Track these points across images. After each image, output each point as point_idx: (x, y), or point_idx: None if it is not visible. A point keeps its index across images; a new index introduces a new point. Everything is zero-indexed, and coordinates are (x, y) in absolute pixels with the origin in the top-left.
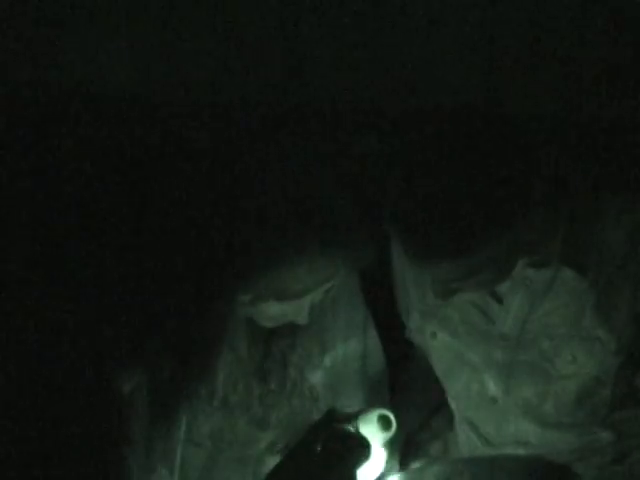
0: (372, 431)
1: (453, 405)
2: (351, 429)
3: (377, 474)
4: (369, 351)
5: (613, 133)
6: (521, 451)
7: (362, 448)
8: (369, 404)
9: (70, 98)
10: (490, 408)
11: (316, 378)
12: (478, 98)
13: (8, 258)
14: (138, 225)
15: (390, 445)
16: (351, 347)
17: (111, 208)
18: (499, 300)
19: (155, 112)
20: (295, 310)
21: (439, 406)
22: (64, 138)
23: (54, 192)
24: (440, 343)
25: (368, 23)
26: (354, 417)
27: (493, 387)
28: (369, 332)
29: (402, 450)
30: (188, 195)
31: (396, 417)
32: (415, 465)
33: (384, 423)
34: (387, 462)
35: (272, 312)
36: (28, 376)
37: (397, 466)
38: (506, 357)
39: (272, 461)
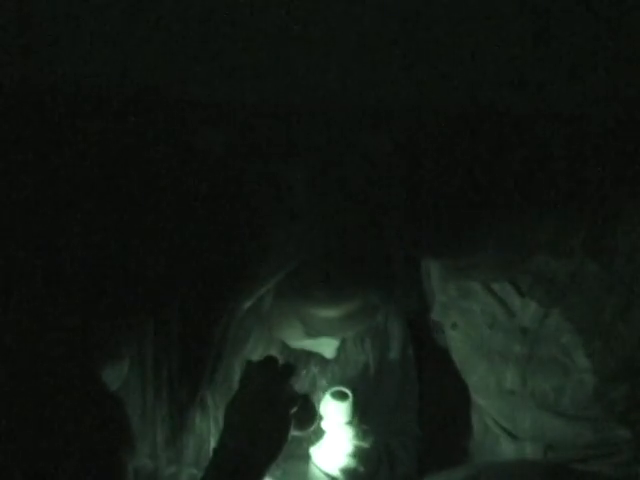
0: (329, 404)
1: (473, 397)
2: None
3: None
4: (407, 373)
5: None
6: (539, 448)
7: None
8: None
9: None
10: (507, 400)
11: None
12: (497, 94)
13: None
14: (137, 226)
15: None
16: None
17: (110, 205)
18: (521, 293)
19: (155, 109)
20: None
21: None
22: (66, 133)
23: (51, 188)
24: (460, 334)
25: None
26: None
27: (511, 379)
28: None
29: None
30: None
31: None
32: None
33: (340, 396)
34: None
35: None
36: (14, 378)
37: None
38: (525, 350)
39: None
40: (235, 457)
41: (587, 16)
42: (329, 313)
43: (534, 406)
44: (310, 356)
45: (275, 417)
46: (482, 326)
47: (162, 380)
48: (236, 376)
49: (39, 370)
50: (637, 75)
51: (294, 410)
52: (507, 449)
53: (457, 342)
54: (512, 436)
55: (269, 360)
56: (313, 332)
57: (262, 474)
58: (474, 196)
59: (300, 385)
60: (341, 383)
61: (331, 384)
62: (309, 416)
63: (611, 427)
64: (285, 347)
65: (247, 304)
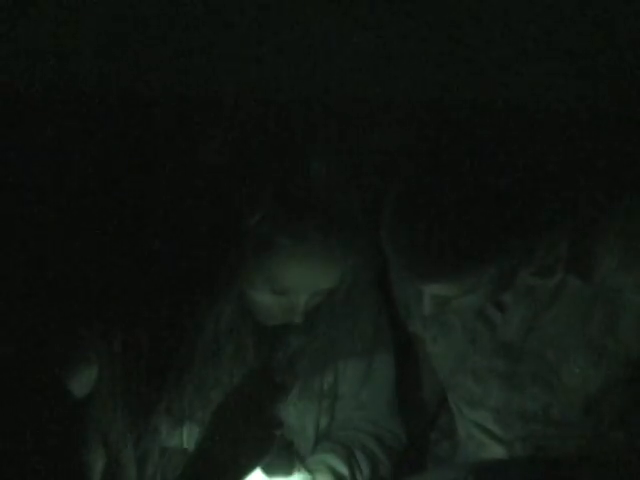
0: None
1: (453, 406)
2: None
3: None
4: (378, 354)
5: (617, 137)
6: (529, 447)
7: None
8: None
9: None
10: (493, 414)
11: (325, 381)
12: (469, 95)
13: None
14: (100, 229)
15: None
16: (360, 349)
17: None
18: (501, 309)
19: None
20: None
21: (445, 405)
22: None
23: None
24: (441, 349)
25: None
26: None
27: (495, 398)
28: (380, 336)
29: (410, 452)
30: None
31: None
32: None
33: None
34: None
35: (267, 303)
36: None
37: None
38: (508, 367)
39: None
40: (213, 465)
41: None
42: (293, 263)
43: (522, 418)
44: (287, 338)
45: (254, 436)
46: (463, 341)
47: (130, 386)
48: (211, 385)
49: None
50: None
51: (277, 433)
52: (494, 451)
53: (439, 357)
54: (499, 439)
55: (261, 371)
56: (278, 288)
57: None
58: (469, 216)
59: (281, 363)
60: (315, 361)
61: (311, 361)
62: (289, 464)
63: (603, 432)
64: (259, 341)
65: (218, 308)
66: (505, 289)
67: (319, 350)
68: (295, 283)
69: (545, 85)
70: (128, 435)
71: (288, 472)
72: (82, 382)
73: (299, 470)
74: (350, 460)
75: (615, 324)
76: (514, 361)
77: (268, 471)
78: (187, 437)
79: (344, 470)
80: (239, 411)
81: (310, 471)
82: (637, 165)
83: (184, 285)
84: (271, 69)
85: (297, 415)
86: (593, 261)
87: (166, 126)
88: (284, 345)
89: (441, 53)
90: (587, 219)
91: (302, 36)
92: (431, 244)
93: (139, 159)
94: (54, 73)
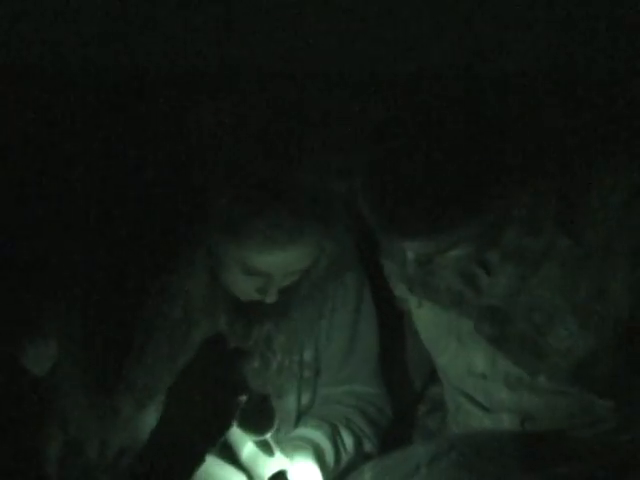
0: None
1: (441, 375)
2: None
3: None
4: (361, 327)
5: (609, 93)
6: (516, 418)
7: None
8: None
9: None
10: (479, 381)
11: (305, 357)
12: (460, 56)
13: None
14: (61, 205)
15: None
16: (341, 323)
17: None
18: (488, 270)
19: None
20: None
21: (435, 377)
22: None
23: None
24: (426, 313)
25: None
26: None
27: (481, 362)
28: (363, 308)
29: (398, 425)
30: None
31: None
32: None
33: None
34: None
35: (240, 283)
36: None
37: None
38: (495, 331)
39: None
40: (170, 449)
41: None
42: (265, 247)
43: (509, 385)
44: (263, 315)
45: (217, 403)
46: (448, 304)
47: (91, 363)
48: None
49: None
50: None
51: (242, 398)
52: (482, 422)
53: (424, 322)
54: (486, 410)
55: (216, 339)
56: (250, 269)
57: (199, 462)
58: (450, 172)
59: (256, 341)
60: (293, 337)
61: (288, 337)
62: (267, 419)
63: (593, 399)
64: (233, 319)
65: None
66: (490, 247)
67: (297, 327)
68: (267, 265)
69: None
70: (89, 413)
71: (267, 426)
72: (39, 359)
73: (277, 426)
74: (333, 435)
75: (605, 286)
76: (500, 325)
77: (246, 428)
78: (152, 416)
79: (327, 445)
80: (199, 379)
81: (290, 449)
82: (625, 123)
83: (146, 261)
84: (246, 44)
85: (277, 393)
86: (584, 220)
87: (135, 104)
88: (259, 323)
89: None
90: (575, 176)
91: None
92: (406, 201)
93: (103, 136)
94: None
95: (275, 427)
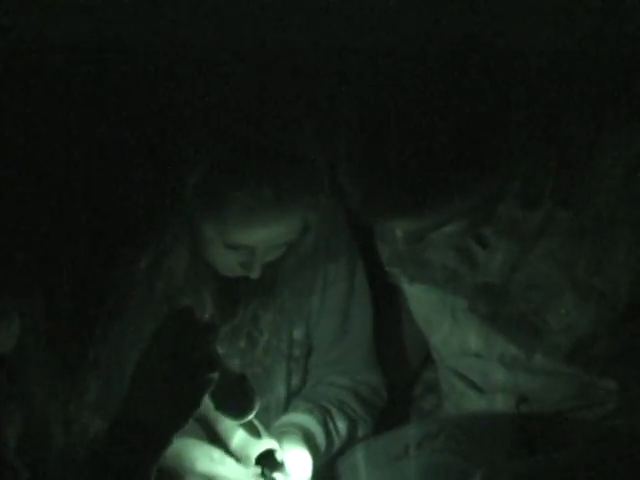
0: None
1: (435, 356)
2: None
3: None
4: (355, 305)
5: (607, 65)
6: (511, 399)
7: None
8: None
9: None
10: (474, 360)
11: (295, 335)
12: (458, 28)
13: None
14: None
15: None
16: (333, 301)
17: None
18: (483, 244)
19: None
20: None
21: (431, 358)
22: None
23: None
24: (418, 289)
25: None
26: None
27: (475, 341)
28: (357, 285)
29: (395, 407)
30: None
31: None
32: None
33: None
34: None
35: (222, 257)
36: None
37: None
38: (490, 309)
39: None
40: (136, 431)
41: None
42: (245, 218)
43: (504, 365)
44: (249, 292)
45: (184, 381)
46: (442, 281)
47: (53, 338)
48: None
49: None
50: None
51: (212, 376)
52: (476, 403)
53: (416, 298)
54: (481, 391)
55: (183, 311)
56: (231, 242)
57: (166, 444)
58: (438, 147)
59: (242, 319)
60: (280, 315)
61: (276, 315)
62: (246, 400)
63: (592, 380)
64: (218, 297)
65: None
66: (485, 222)
67: (285, 305)
68: (249, 239)
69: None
70: (53, 393)
71: (247, 408)
72: (1, 336)
73: (258, 408)
74: (325, 419)
75: (604, 262)
76: (496, 303)
77: (224, 410)
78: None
79: (317, 430)
80: (166, 355)
81: (279, 436)
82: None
83: (117, 235)
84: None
85: (265, 374)
86: (584, 192)
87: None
88: (245, 301)
89: None
90: (574, 148)
91: None
92: (389, 181)
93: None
94: None
95: (256, 409)
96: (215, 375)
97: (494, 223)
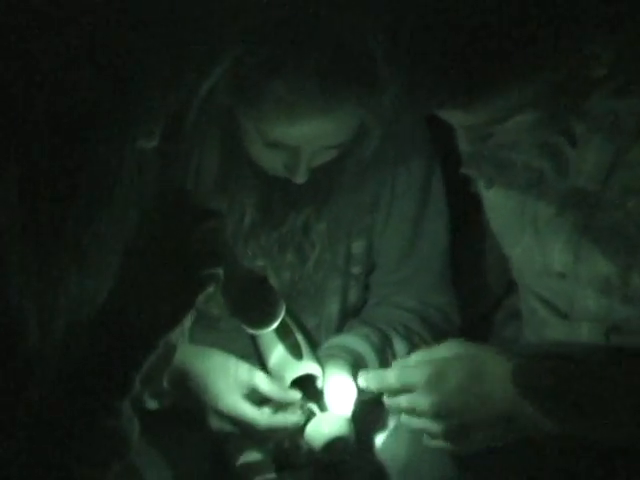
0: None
1: (516, 276)
2: None
3: None
4: (428, 217)
5: None
6: (599, 330)
7: None
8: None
9: None
10: (559, 282)
11: (354, 249)
12: None
13: None
14: None
15: None
16: (402, 215)
17: None
18: (572, 142)
19: None
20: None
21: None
22: None
23: None
24: (497, 194)
25: None
26: None
27: (560, 259)
28: (431, 195)
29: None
30: None
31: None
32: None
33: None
34: None
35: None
36: None
37: None
38: (579, 219)
39: None
40: (116, 329)
41: None
42: (285, 115)
43: (594, 289)
44: (301, 200)
45: (175, 275)
46: (525, 185)
47: (26, 219)
48: None
49: None
50: None
51: (214, 272)
52: (557, 330)
53: (494, 205)
54: (565, 317)
55: (179, 192)
56: (271, 140)
57: (152, 347)
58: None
59: (292, 228)
60: (336, 225)
61: (331, 225)
62: (268, 306)
63: None
64: (263, 199)
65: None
66: (571, 113)
67: (342, 215)
68: (291, 138)
69: None
70: (28, 283)
71: (269, 315)
72: None
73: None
74: (382, 345)
75: None
76: (587, 211)
77: (241, 317)
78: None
79: (371, 357)
80: (158, 242)
81: (325, 359)
82: None
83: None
84: None
85: (316, 291)
86: None
87: None
88: (297, 207)
89: None
90: None
91: None
92: (442, 63)
93: None
94: None
95: (279, 317)
96: (218, 272)
97: (584, 118)
